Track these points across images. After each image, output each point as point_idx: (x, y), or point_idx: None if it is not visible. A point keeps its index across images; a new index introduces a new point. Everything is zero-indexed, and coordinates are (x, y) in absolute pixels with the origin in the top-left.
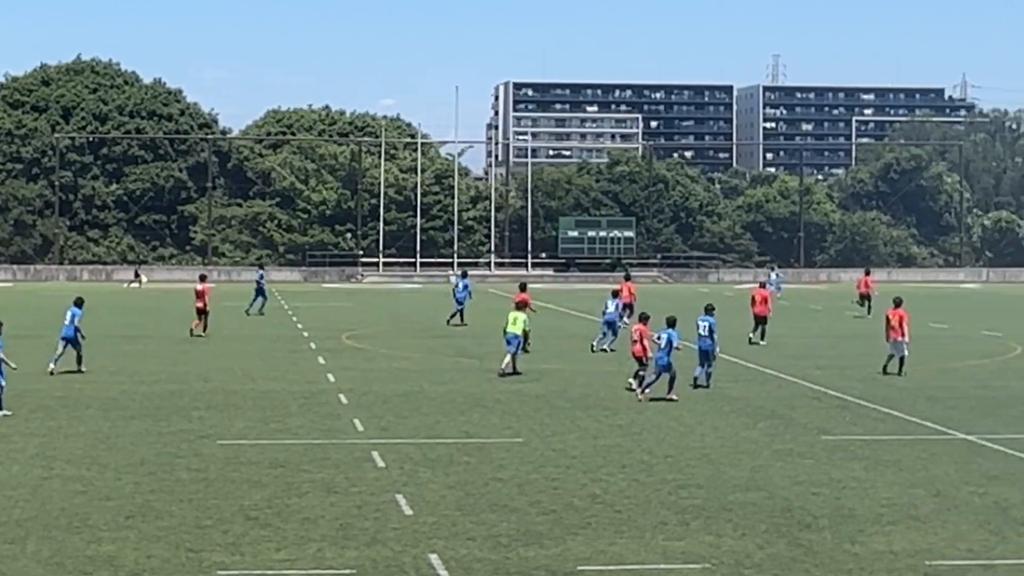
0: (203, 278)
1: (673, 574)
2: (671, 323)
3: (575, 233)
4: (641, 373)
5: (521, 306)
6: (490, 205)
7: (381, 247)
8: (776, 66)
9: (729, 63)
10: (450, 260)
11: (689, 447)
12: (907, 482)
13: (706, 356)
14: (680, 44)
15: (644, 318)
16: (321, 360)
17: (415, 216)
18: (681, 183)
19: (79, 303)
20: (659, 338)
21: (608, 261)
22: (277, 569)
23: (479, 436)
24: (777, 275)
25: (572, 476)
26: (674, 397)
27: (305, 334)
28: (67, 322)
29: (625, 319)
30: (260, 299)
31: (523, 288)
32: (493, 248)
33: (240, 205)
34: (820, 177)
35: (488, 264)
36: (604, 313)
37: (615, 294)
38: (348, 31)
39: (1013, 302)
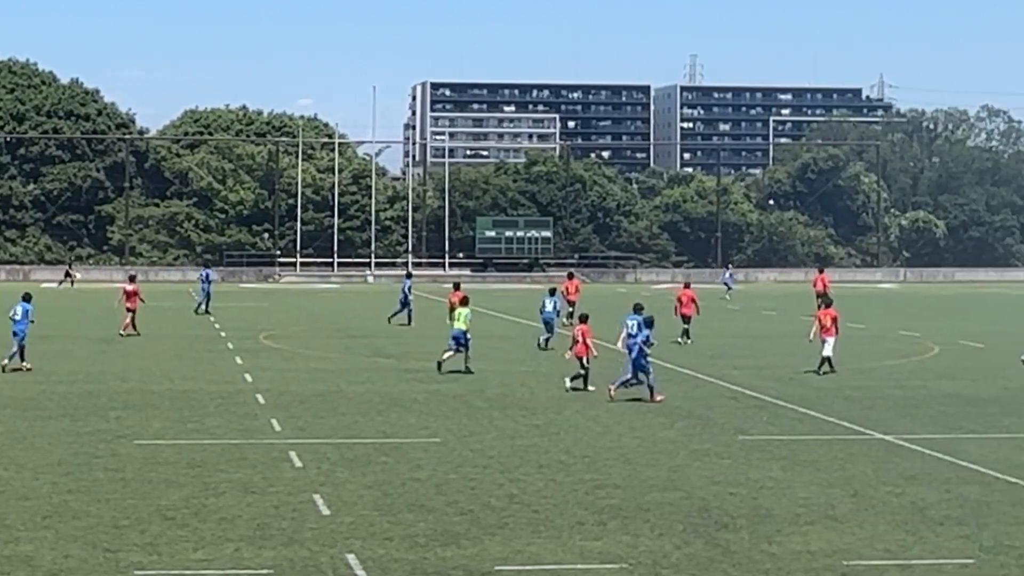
0: (132, 278)
1: (590, 574)
2: (649, 324)
3: (492, 233)
4: (581, 372)
5: (465, 302)
6: (407, 205)
7: (298, 247)
8: (693, 66)
9: (646, 63)
10: (367, 260)
11: (606, 447)
12: (824, 482)
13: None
14: (597, 44)
15: (584, 318)
16: (239, 360)
17: (332, 216)
18: (598, 183)
19: (27, 298)
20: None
21: (526, 261)
22: (194, 569)
23: (397, 436)
24: (731, 275)
25: (489, 476)
26: (613, 394)
27: (223, 334)
28: (18, 318)
29: (564, 319)
30: (205, 297)
31: (457, 287)
32: (411, 248)
33: (157, 205)
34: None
35: (406, 264)
36: (542, 311)
37: (552, 292)
38: (265, 31)
39: (930, 302)
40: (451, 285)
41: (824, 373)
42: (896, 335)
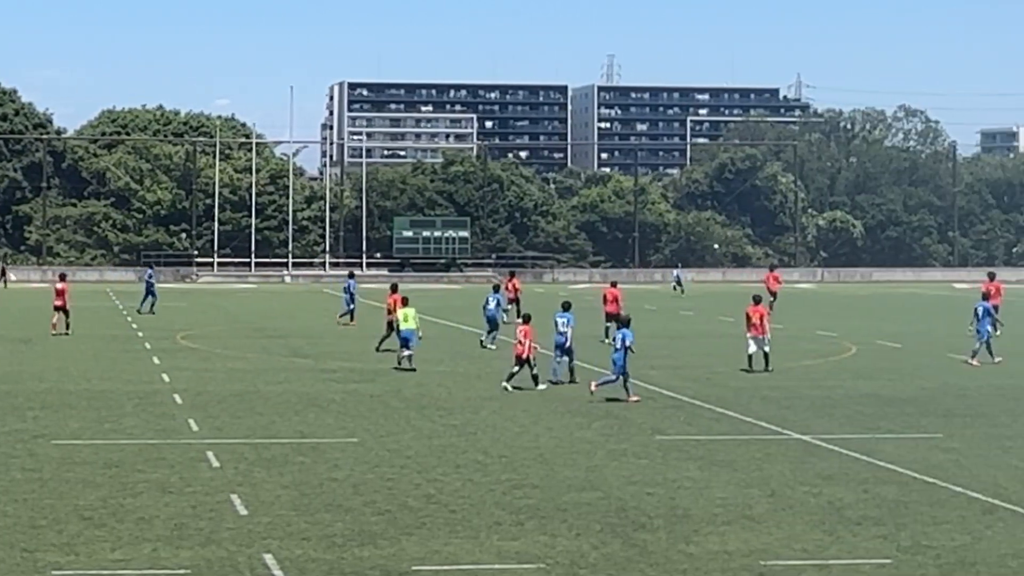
0: (63, 277)
1: (508, 574)
2: (626, 323)
3: (410, 233)
4: (514, 370)
5: (406, 302)
6: (325, 205)
7: (216, 247)
8: (611, 66)
9: (564, 63)
10: (285, 260)
11: (524, 447)
12: (742, 482)
13: (564, 350)
14: (514, 44)
15: (527, 318)
16: (156, 360)
17: (250, 216)
18: (516, 183)
19: None
20: (614, 339)
21: (443, 261)
22: (112, 569)
23: (314, 436)
24: (680, 273)
25: (407, 476)
26: (636, 399)
27: (140, 334)
28: None
29: (505, 316)
30: (150, 298)
31: (395, 289)
32: (328, 248)
33: (75, 205)
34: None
35: (323, 264)
36: (485, 308)
37: (496, 288)
38: (183, 30)
39: (847, 302)
40: (386, 287)
41: (771, 368)
42: (813, 335)
